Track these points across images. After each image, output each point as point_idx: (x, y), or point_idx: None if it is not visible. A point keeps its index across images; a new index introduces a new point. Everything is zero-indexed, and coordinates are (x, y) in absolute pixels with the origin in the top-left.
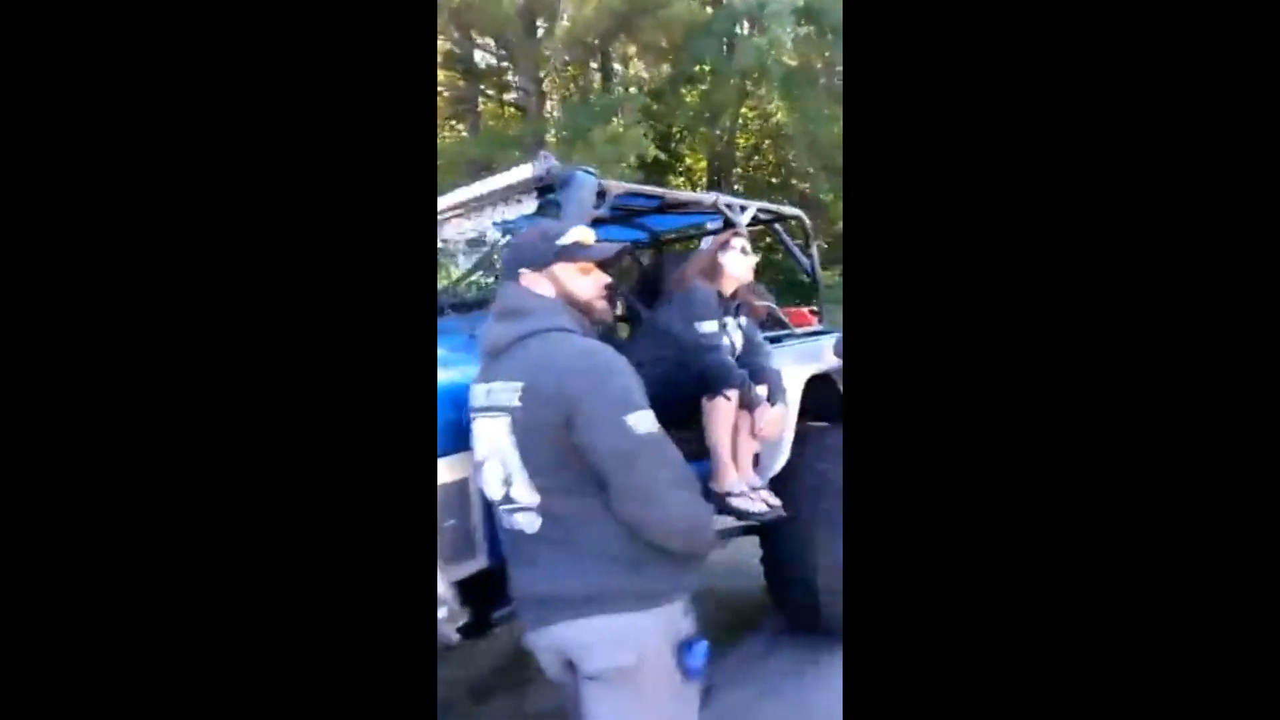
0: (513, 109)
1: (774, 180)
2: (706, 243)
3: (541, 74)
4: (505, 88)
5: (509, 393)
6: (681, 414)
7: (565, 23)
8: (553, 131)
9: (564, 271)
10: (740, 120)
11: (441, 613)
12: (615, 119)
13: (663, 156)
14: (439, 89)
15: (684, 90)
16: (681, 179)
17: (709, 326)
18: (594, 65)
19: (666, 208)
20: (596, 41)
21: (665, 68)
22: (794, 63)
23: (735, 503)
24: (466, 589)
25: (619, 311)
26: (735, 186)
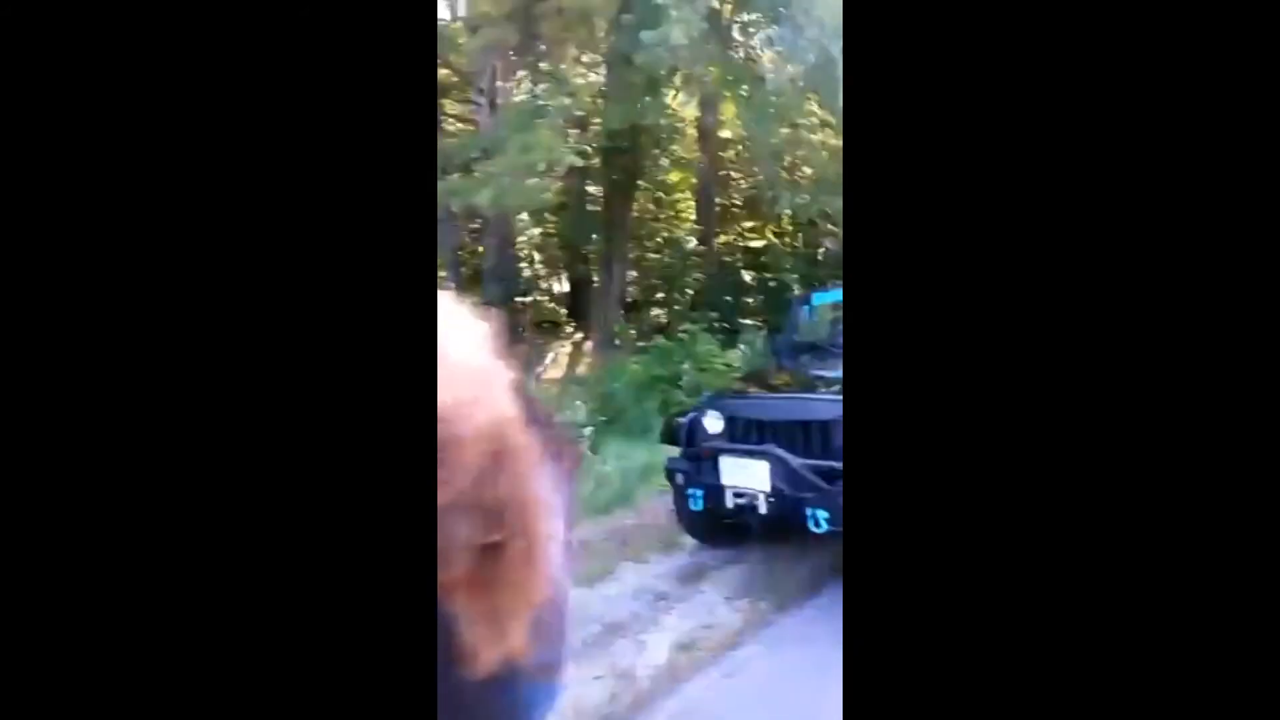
0: (469, 123)
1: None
2: None
3: (483, 84)
4: (465, 101)
5: None
6: None
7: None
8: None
9: None
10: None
11: None
12: (540, 123)
13: (579, 163)
14: None
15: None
16: (650, 192)
17: None
18: (523, 72)
19: None
20: (515, 43)
21: (602, 70)
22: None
23: None
24: None
25: None
26: (732, 202)
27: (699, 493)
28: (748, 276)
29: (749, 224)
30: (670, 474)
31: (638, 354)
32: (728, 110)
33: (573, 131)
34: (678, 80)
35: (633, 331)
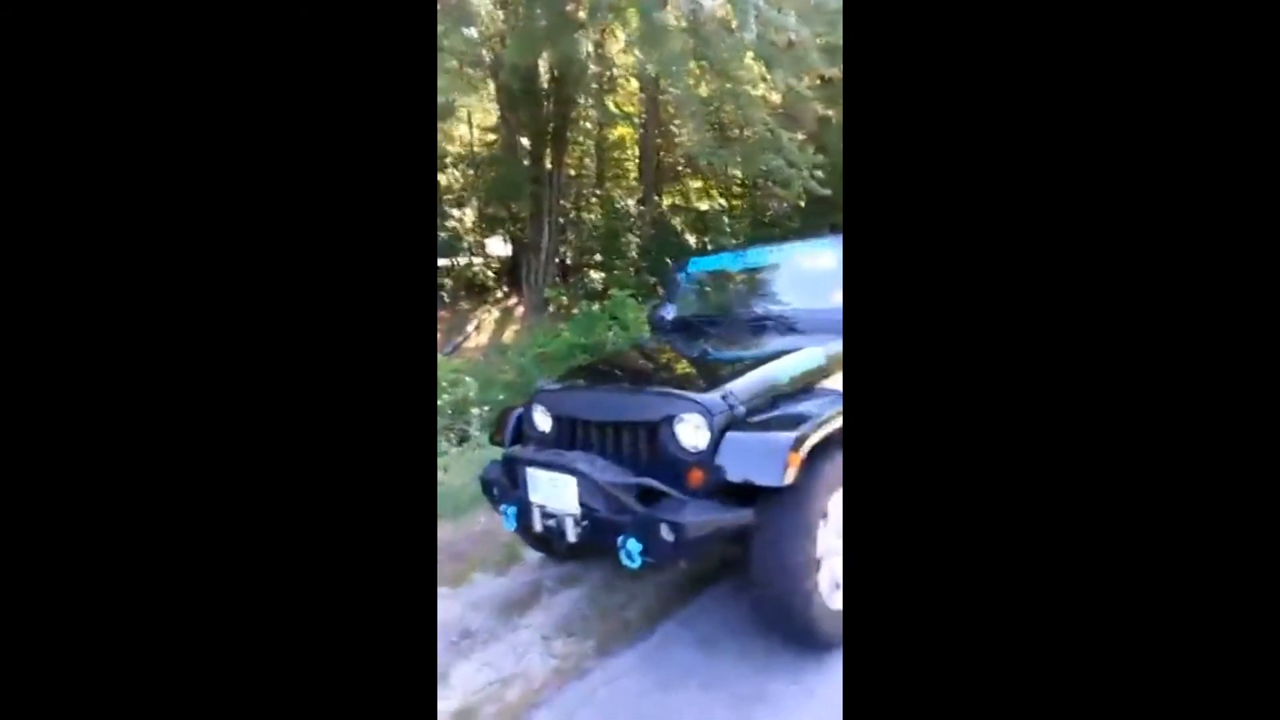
0: None
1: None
2: None
3: None
4: None
5: None
6: None
7: None
8: None
9: None
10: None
11: None
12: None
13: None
14: None
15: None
16: (583, 146)
17: None
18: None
19: None
20: None
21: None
22: None
23: None
24: None
25: None
26: (676, 160)
27: (512, 509)
28: (691, 239)
29: (696, 184)
30: (485, 485)
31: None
32: (652, 55)
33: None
34: (590, 19)
35: (564, 297)
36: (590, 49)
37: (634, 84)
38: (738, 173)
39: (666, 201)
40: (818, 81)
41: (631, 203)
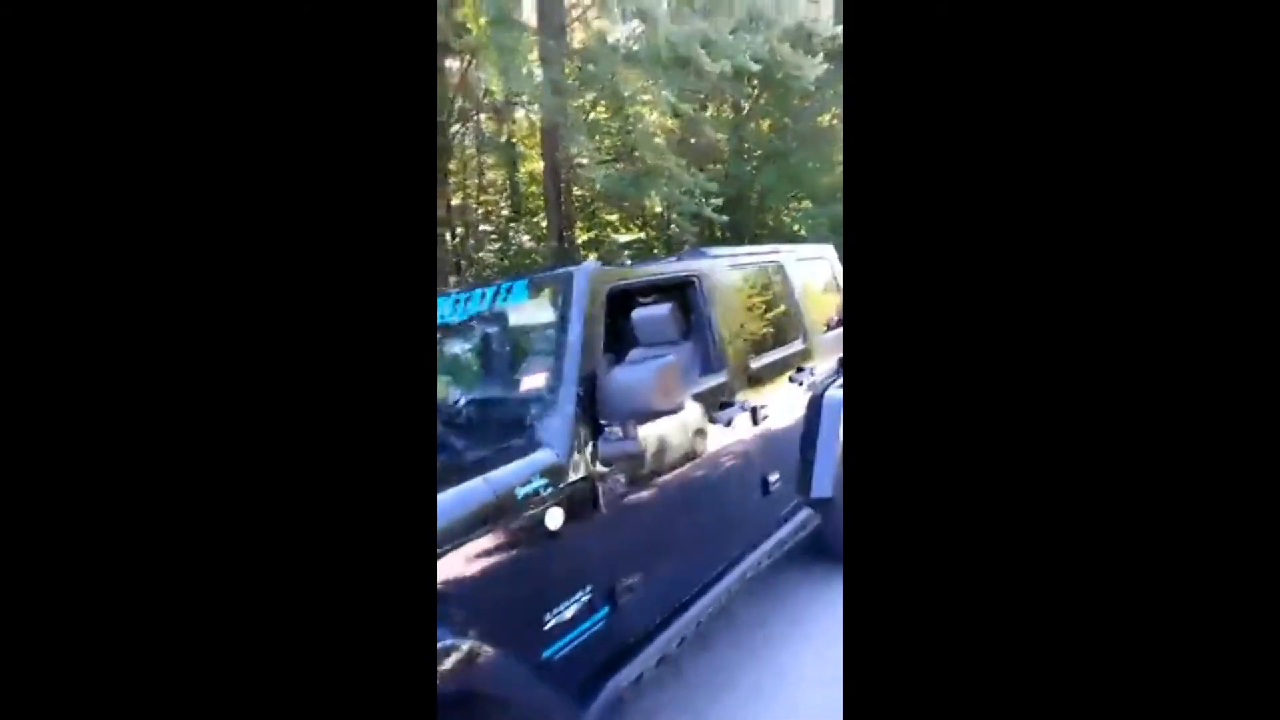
0: None
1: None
2: None
3: None
4: None
5: None
6: None
7: None
8: None
9: None
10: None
11: None
12: None
13: None
14: None
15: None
16: (460, 177)
17: None
18: None
19: None
20: None
21: None
22: None
23: None
24: None
25: None
26: (588, 191)
27: None
28: None
29: (611, 217)
30: None
31: None
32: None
33: None
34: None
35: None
36: (462, 72)
37: (522, 112)
38: (653, 205)
39: (582, 236)
40: (728, 112)
41: (526, 238)
